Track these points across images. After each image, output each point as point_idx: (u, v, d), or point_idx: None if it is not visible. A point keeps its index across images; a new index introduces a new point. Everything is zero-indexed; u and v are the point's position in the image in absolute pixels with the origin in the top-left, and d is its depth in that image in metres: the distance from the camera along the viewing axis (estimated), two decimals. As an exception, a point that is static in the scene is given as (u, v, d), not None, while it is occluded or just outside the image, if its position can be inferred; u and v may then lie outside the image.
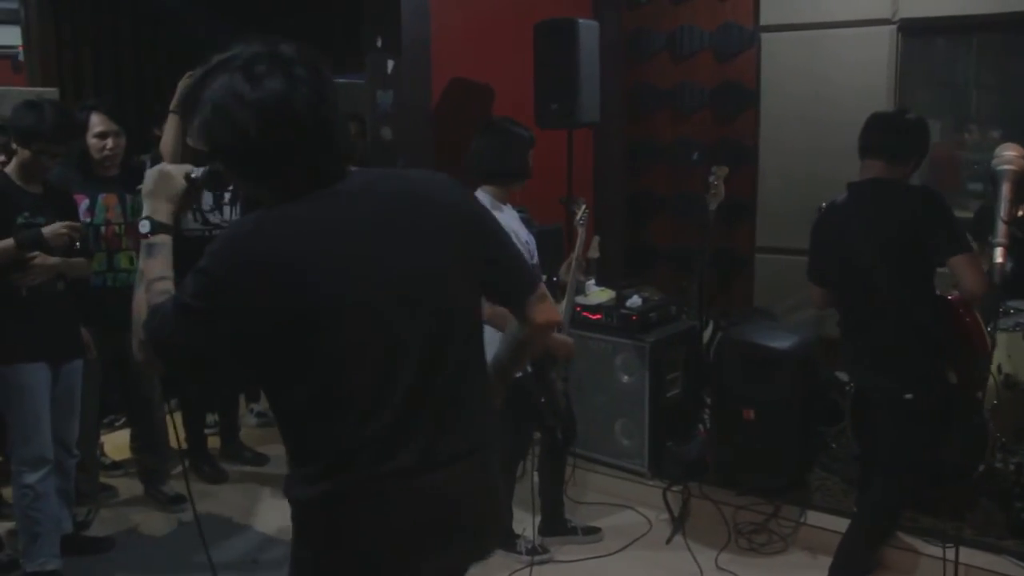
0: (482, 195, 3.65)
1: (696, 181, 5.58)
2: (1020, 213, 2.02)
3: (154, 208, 1.83)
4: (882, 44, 5.56)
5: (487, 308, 3.42)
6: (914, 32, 5.58)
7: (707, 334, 4.96)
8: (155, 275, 1.78)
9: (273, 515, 4.41)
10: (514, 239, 3.53)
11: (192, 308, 1.63)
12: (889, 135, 3.31)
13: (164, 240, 1.82)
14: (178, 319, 1.64)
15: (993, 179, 4.63)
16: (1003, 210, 2.00)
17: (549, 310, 2.03)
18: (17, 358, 3.49)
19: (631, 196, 6.68)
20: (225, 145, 1.66)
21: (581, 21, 5.08)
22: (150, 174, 1.86)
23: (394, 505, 1.73)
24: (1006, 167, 2.06)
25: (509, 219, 3.60)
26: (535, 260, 3.69)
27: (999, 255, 1.98)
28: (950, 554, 3.64)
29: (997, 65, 5.78)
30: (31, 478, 3.52)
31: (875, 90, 5.49)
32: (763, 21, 5.93)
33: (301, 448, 1.76)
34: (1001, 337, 4.16)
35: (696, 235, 5.28)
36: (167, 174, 1.85)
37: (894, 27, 5.53)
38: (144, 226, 1.82)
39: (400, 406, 1.71)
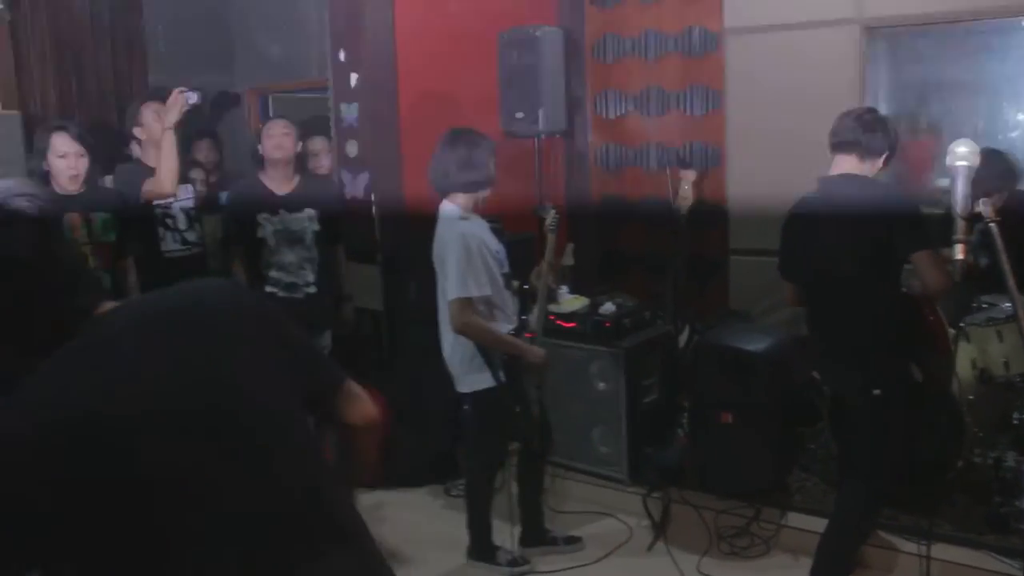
0: (449, 207, 3.63)
1: (666, 186, 5.57)
2: (976, 209, 2.01)
3: None
4: (848, 44, 5.58)
5: (466, 318, 3.42)
6: (880, 32, 5.60)
7: (683, 338, 4.95)
8: None
9: None
10: (484, 249, 3.52)
11: None
12: (860, 131, 3.32)
13: None
14: None
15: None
16: (959, 206, 1.99)
17: (364, 407, 1.79)
18: None
19: (601, 202, 6.65)
20: None
21: (543, 29, 5.08)
22: None
23: None
24: (960, 163, 2.06)
25: (478, 229, 3.59)
26: (506, 270, 3.67)
27: (959, 251, 1.97)
28: (925, 551, 3.66)
29: (963, 64, 5.81)
30: None
31: (842, 90, 5.49)
32: (728, 24, 5.92)
33: None
34: (974, 332, 4.17)
35: (668, 240, 5.27)
36: None
37: (860, 27, 5.55)
38: None
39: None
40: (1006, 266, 1.95)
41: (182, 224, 4.52)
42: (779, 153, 5.67)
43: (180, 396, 1.45)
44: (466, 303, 3.45)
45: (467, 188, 3.62)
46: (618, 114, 6.49)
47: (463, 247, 3.46)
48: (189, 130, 4.60)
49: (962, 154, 2.07)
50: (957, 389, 3.92)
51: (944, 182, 5.15)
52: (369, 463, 1.87)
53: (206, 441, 1.46)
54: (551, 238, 3.88)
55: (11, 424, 1.36)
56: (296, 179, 4.58)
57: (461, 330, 3.50)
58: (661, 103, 6.29)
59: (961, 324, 4.18)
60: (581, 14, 6.40)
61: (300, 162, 4.72)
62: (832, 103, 5.41)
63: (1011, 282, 1.96)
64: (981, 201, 2.03)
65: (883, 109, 3.51)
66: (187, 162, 4.68)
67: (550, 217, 3.93)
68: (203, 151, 6.06)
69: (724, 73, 5.98)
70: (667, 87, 6.26)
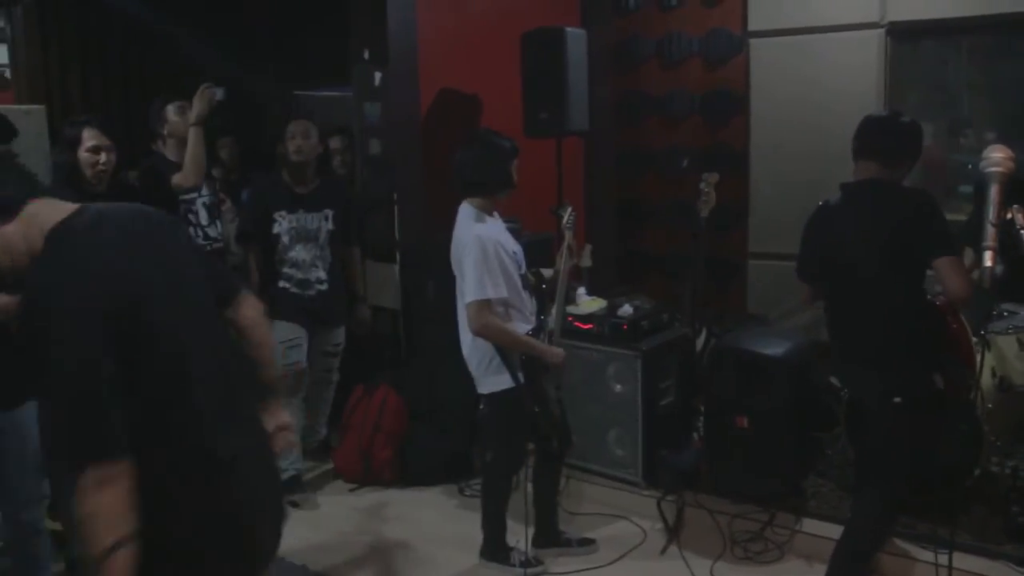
0: (466, 207, 3.63)
1: (687, 188, 5.55)
2: (1008, 216, 1.99)
3: None
4: (871, 48, 5.55)
5: (484, 320, 3.43)
6: (903, 36, 5.57)
7: (700, 341, 4.93)
8: None
9: None
10: (501, 251, 3.52)
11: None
12: (883, 137, 3.30)
13: None
14: None
15: (979, 183, 4.67)
16: (992, 213, 1.98)
17: (253, 311, 2.33)
18: None
19: (622, 204, 6.66)
20: None
21: (569, 30, 5.07)
22: None
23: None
24: (994, 169, 2.04)
25: (495, 230, 3.59)
26: (523, 271, 3.68)
27: (988, 259, 1.95)
28: (944, 559, 3.62)
29: (987, 67, 5.77)
30: None
31: (865, 94, 5.48)
32: (751, 26, 5.92)
33: None
34: (994, 340, 4.14)
35: (688, 242, 5.25)
36: None
37: (883, 31, 5.52)
38: None
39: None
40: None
41: (204, 219, 4.57)
42: (802, 157, 5.67)
43: (164, 273, 2.01)
44: (484, 305, 3.45)
45: (483, 191, 3.63)
46: (641, 116, 6.49)
47: (480, 249, 3.46)
48: (213, 127, 4.64)
49: (997, 160, 2.05)
50: (977, 397, 3.89)
51: (967, 189, 5.20)
52: (266, 359, 2.38)
53: (181, 305, 2.02)
54: (568, 235, 3.88)
55: (84, 296, 1.84)
56: (316, 179, 4.64)
57: (479, 332, 3.51)
58: (684, 105, 6.28)
59: (982, 332, 4.16)
60: (605, 15, 6.40)
61: (321, 162, 4.76)
62: (855, 107, 5.40)
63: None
64: (1014, 208, 2.00)
65: (907, 113, 3.48)
66: (209, 159, 4.72)
67: (567, 215, 3.93)
68: (225, 148, 6.12)
69: (748, 76, 5.97)
70: (691, 89, 6.25)
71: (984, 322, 4.20)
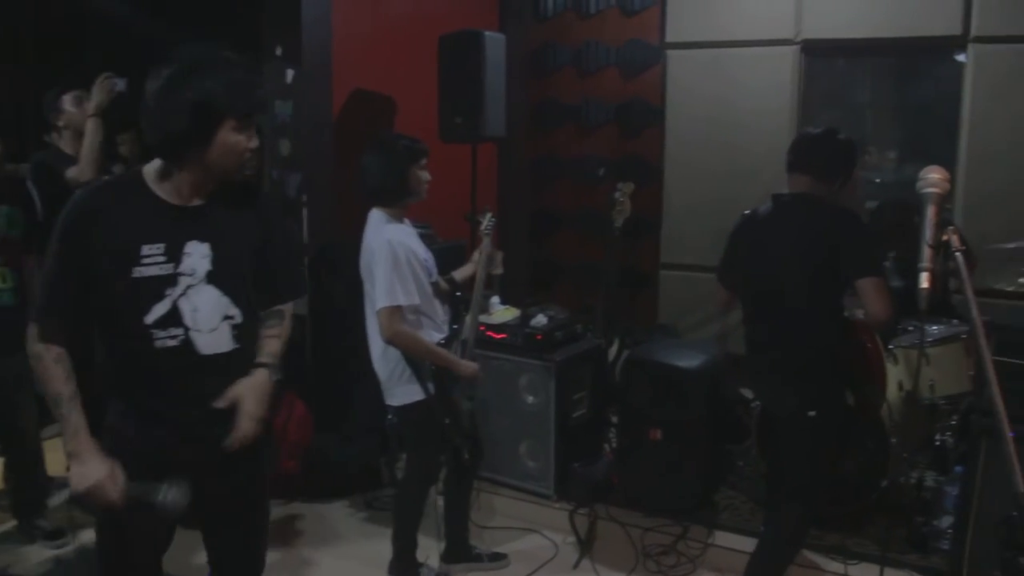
0: (377, 213, 3.51)
1: (601, 197, 5.55)
2: (944, 238, 1.98)
3: None
4: (785, 64, 5.63)
5: (396, 327, 3.32)
6: (816, 53, 5.67)
7: (612, 352, 4.90)
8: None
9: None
10: (412, 257, 3.41)
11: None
12: (818, 152, 3.32)
13: None
14: None
15: (883, 201, 4.76)
16: (928, 234, 1.96)
17: None
18: None
19: (535, 212, 6.62)
20: None
21: (487, 34, 5.00)
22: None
23: None
24: (930, 190, 2.02)
25: (406, 236, 3.47)
26: (435, 278, 3.57)
27: (924, 280, 1.93)
28: (852, 570, 3.67)
29: (901, 87, 5.92)
30: None
31: (778, 110, 5.55)
32: (669, 38, 5.95)
33: None
34: (902, 355, 4.22)
35: (601, 252, 5.24)
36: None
37: (797, 47, 5.60)
38: None
39: None
40: (971, 294, 1.92)
41: None
42: (715, 170, 5.71)
43: None
44: (395, 311, 3.34)
45: (384, 198, 3.51)
46: (556, 124, 6.46)
47: (391, 254, 3.35)
48: (114, 120, 4.43)
49: (933, 180, 2.04)
50: (885, 411, 3.95)
51: (871, 204, 5.29)
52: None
53: None
54: (486, 241, 3.79)
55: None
56: None
57: (391, 340, 3.39)
58: (599, 114, 6.28)
59: (890, 347, 4.23)
60: (524, 21, 6.36)
61: None
62: (768, 122, 5.51)
63: (976, 311, 1.92)
64: (949, 229, 1.99)
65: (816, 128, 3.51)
66: (109, 155, 4.51)
67: (486, 220, 3.84)
68: (126, 143, 5.88)
69: (664, 88, 6.00)
70: (607, 99, 6.25)
71: (891, 336, 4.28)
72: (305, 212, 5.05)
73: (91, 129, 4.07)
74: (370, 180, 3.49)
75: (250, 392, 2.27)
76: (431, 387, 3.44)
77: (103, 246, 2.10)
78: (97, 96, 4.07)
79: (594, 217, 6.06)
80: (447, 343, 3.52)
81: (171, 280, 2.16)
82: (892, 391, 4.05)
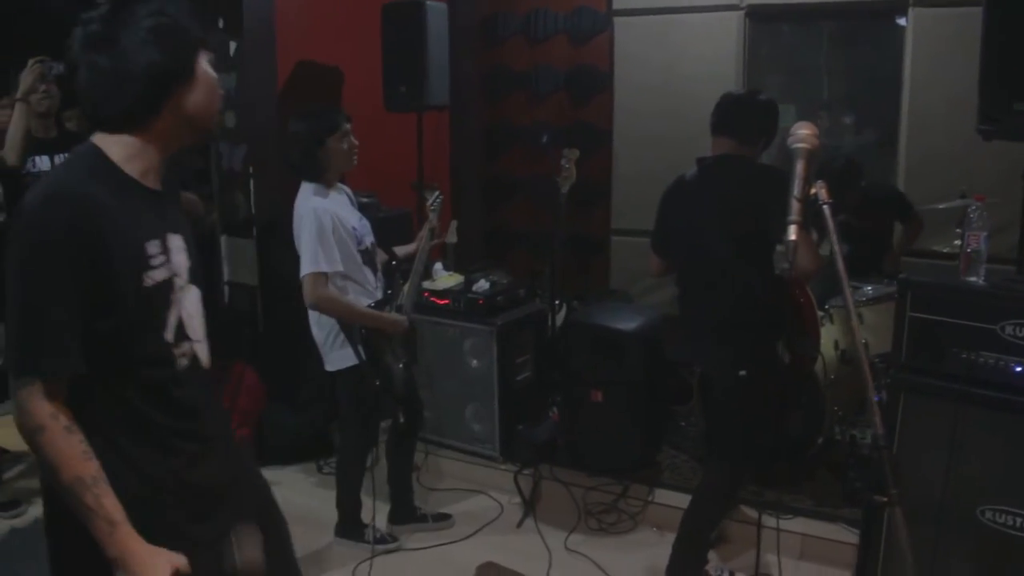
0: (305, 184, 3.55)
1: (551, 164, 5.58)
2: (812, 191, 2.04)
3: None
4: (731, 29, 5.66)
5: (320, 292, 3.36)
6: (761, 18, 5.70)
7: (561, 317, 4.96)
8: None
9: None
10: (339, 225, 3.45)
11: None
12: (739, 114, 3.37)
13: None
14: None
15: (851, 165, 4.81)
16: (796, 188, 2.02)
17: None
18: None
19: (487, 179, 6.64)
20: None
21: (429, 3, 5.03)
22: None
23: None
24: (800, 145, 2.08)
25: (334, 204, 3.52)
26: (363, 245, 3.60)
27: (793, 232, 1.99)
28: (788, 525, 3.76)
29: (844, 52, 5.96)
30: None
31: (724, 75, 5.58)
32: (616, 5, 5.96)
33: None
34: (836, 313, 4.30)
35: (551, 218, 5.28)
36: None
37: (742, 13, 5.63)
38: None
39: None
40: (836, 248, 1.98)
41: None
42: (662, 135, 5.74)
43: None
44: (319, 277, 3.38)
45: (304, 173, 3.54)
46: (506, 92, 6.47)
47: (316, 222, 3.39)
48: (62, 97, 4.40)
49: (801, 136, 2.09)
50: (820, 369, 4.03)
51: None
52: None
53: None
54: (432, 217, 3.84)
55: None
56: None
57: (315, 305, 3.44)
58: (549, 82, 6.30)
59: (826, 306, 4.31)
60: (471, -10, 6.35)
61: None
62: (715, 88, 5.49)
63: (840, 265, 1.99)
64: (817, 183, 2.05)
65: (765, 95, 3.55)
66: (62, 132, 4.47)
67: (434, 197, 3.88)
68: (72, 120, 5.83)
69: (612, 54, 6.02)
70: (556, 66, 6.27)
71: (827, 297, 4.36)
72: (252, 184, 5.07)
73: (17, 114, 4.01)
74: (289, 157, 3.54)
75: None
76: (362, 351, 3.49)
77: (115, 249, 1.63)
78: (25, 80, 4.03)
79: (546, 184, 6.04)
80: (377, 307, 3.57)
81: (171, 284, 1.77)
82: (828, 350, 4.13)
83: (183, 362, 1.78)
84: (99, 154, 1.70)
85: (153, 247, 1.71)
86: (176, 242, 1.80)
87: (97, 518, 1.57)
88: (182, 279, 1.79)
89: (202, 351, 1.86)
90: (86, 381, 1.63)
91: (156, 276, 1.71)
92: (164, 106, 1.71)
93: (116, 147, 1.71)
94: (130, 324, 1.66)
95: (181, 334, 1.77)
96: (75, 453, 1.57)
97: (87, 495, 1.57)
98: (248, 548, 1.82)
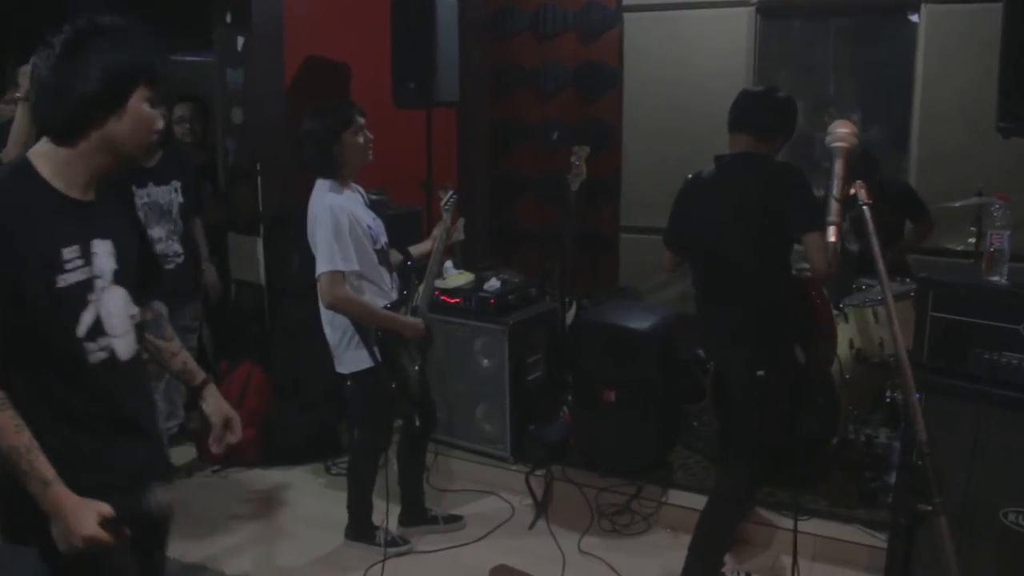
0: (320, 182, 3.50)
1: (560, 161, 5.54)
2: (852, 191, 2.00)
3: None
4: (740, 26, 5.62)
5: (337, 292, 3.32)
6: (772, 14, 5.66)
7: (571, 315, 4.92)
8: None
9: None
10: (355, 223, 3.40)
11: None
12: (758, 111, 3.33)
13: None
14: None
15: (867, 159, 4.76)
16: (835, 188, 1.98)
17: None
18: None
19: (496, 177, 6.60)
20: None
21: (439, -2, 4.96)
22: None
23: None
24: (838, 144, 2.04)
25: (349, 202, 3.47)
26: (379, 245, 3.56)
27: (832, 233, 1.95)
28: (803, 526, 3.72)
29: (853, 48, 5.92)
30: None
31: (734, 72, 5.54)
32: (626, 1, 5.92)
33: None
34: (852, 312, 4.26)
35: (560, 216, 5.24)
36: None
37: (752, 9, 5.59)
38: None
39: None
40: (877, 249, 1.94)
41: None
42: (672, 132, 5.70)
43: None
44: (336, 276, 3.33)
45: (320, 171, 3.49)
46: (515, 88, 6.43)
47: (332, 220, 3.34)
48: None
49: (841, 135, 2.05)
50: (835, 368, 3.99)
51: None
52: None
53: None
54: (446, 217, 3.80)
55: None
56: (159, 150, 4.40)
57: (332, 304, 3.39)
58: (558, 78, 6.25)
59: (841, 305, 4.27)
60: (480, -14, 6.30)
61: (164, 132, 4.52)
62: (725, 84, 5.48)
63: (881, 265, 1.95)
64: (856, 183, 2.01)
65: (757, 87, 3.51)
66: None
67: (447, 197, 3.83)
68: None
69: (621, 51, 5.98)
70: (565, 62, 6.22)
71: (843, 296, 4.32)
72: (260, 181, 5.02)
73: (19, 114, 3.96)
74: (303, 155, 3.49)
75: (226, 407, 2.38)
76: (377, 352, 3.45)
77: (26, 252, 1.86)
78: (26, 83, 3.97)
79: (554, 182, 6.02)
80: (394, 308, 3.53)
81: (90, 285, 1.97)
82: (843, 349, 4.09)
83: (100, 355, 1.99)
84: (28, 167, 1.93)
85: (70, 252, 1.92)
86: (102, 247, 2.00)
87: (31, 479, 1.85)
88: (104, 280, 2.00)
89: (121, 346, 2.04)
90: (13, 365, 1.89)
91: (70, 279, 1.92)
92: (90, 130, 1.92)
93: (44, 161, 1.93)
94: (43, 320, 1.90)
95: (98, 330, 1.98)
96: (8, 427, 1.85)
97: (21, 460, 1.85)
98: (160, 495, 2.12)
